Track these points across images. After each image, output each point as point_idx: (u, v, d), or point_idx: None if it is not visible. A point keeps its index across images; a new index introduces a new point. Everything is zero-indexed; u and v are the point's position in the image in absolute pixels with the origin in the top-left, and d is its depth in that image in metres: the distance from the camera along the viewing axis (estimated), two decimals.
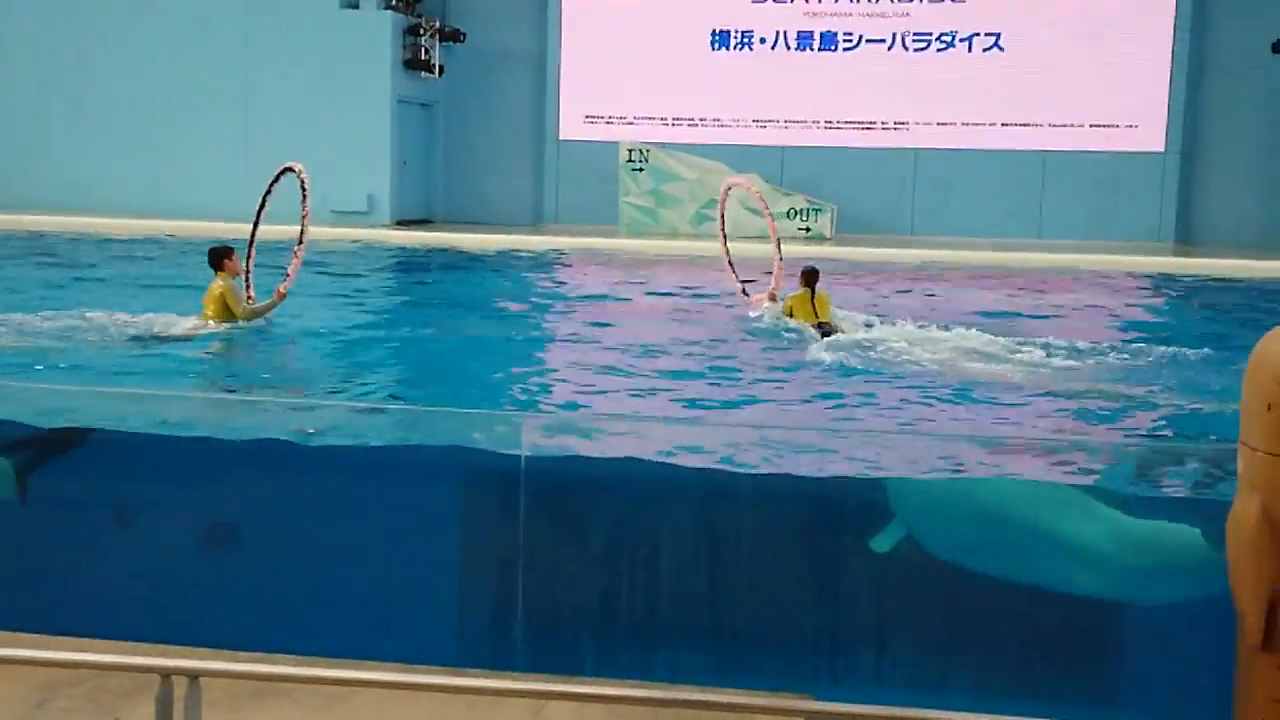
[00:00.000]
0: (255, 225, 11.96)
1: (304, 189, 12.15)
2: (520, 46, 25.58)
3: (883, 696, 5.16)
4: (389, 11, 23.99)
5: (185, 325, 10.79)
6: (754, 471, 6.18)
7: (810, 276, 12.29)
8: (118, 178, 23.91)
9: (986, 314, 13.56)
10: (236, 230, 20.76)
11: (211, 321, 10.82)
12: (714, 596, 5.85)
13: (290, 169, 12.00)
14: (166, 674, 3.72)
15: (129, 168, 24.00)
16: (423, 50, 24.45)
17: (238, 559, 6.15)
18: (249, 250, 11.74)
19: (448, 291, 15.62)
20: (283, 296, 11.34)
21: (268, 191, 12.02)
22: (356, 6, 24.05)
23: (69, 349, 9.83)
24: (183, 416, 6.63)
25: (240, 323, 10.91)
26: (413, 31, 24.40)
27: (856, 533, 5.83)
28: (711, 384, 9.36)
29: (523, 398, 8.79)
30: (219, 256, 11.17)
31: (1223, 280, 18.21)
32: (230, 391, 8.83)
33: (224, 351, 10.40)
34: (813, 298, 12.17)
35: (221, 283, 10.95)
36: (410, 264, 19.35)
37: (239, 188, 23.55)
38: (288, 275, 11.53)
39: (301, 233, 12.00)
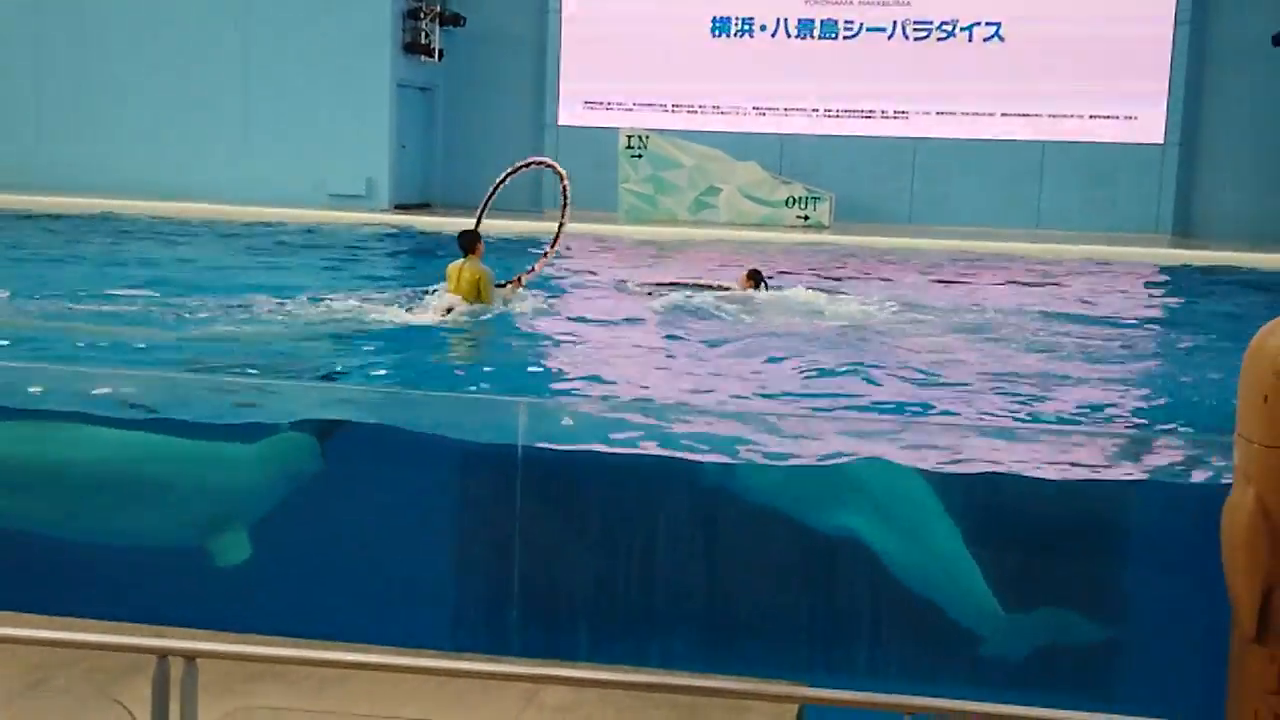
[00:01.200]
0: (481, 213, 12.65)
1: (565, 194, 12.91)
2: (520, 31, 25.54)
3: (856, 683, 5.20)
4: None
5: (439, 306, 11.15)
6: (751, 460, 6.19)
7: (755, 275, 12.69)
8: (116, 160, 23.85)
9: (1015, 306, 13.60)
10: (237, 213, 21.00)
11: (463, 302, 11.13)
12: (708, 584, 5.87)
13: (547, 165, 12.27)
14: (163, 654, 3.72)
15: (129, 150, 23.95)
16: (422, 34, 24.40)
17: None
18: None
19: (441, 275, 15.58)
20: (520, 285, 11.89)
21: (502, 180, 12.83)
22: None
23: (347, 336, 10.23)
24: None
25: (490, 305, 11.27)
26: (413, 15, 24.35)
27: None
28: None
29: (519, 384, 8.78)
30: (471, 240, 11.48)
31: (1220, 272, 18.22)
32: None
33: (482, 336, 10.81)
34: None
35: (474, 266, 11.27)
36: (408, 247, 19.33)
37: (240, 169, 23.66)
38: (532, 269, 12.27)
39: (557, 234, 12.73)
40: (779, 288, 13.29)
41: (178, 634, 4.51)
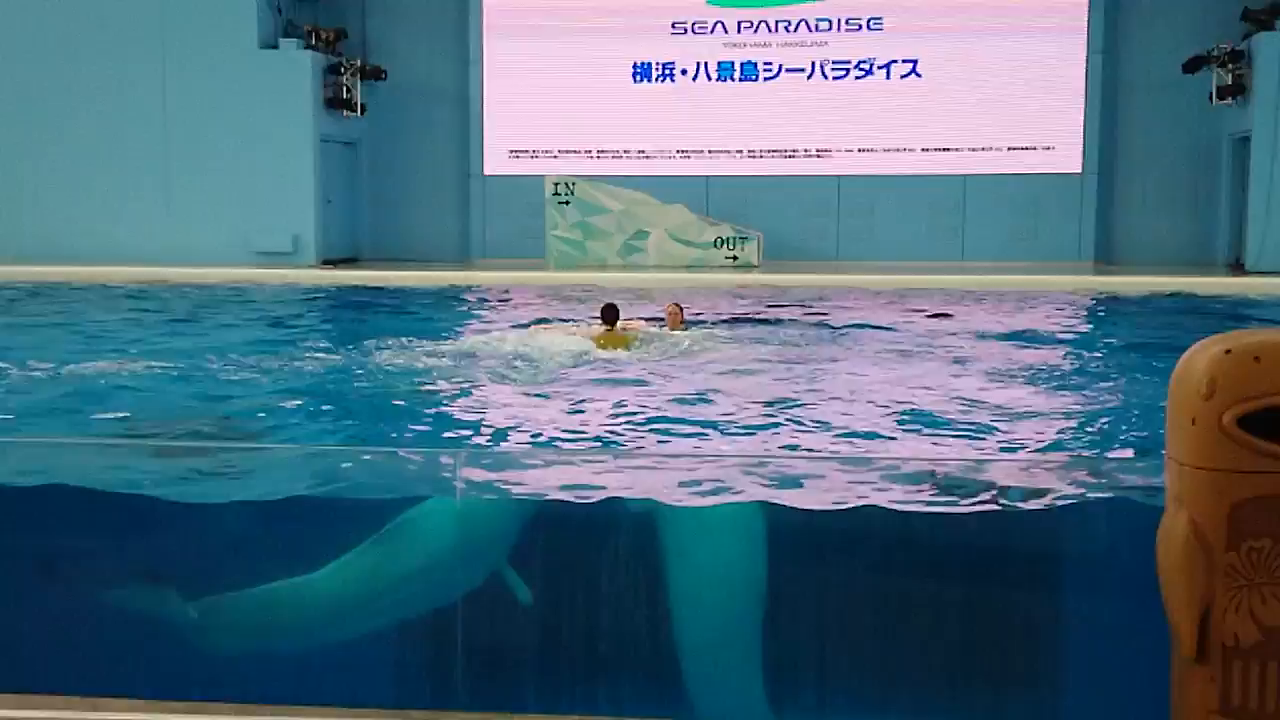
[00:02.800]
0: None
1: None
2: (442, 83, 25.58)
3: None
4: (309, 51, 23.90)
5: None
6: (696, 504, 6.16)
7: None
8: (35, 222, 23.58)
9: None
10: (156, 275, 20.77)
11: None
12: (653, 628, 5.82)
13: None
14: None
15: (47, 212, 23.68)
16: (344, 89, 24.37)
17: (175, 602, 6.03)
18: None
19: (375, 329, 15.50)
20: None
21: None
22: (276, 46, 23.92)
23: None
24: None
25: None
26: (334, 70, 24.31)
27: None
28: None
29: (455, 434, 8.72)
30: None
31: (1143, 297, 18.51)
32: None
33: None
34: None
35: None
36: (337, 303, 19.22)
37: (161, 230, 23.44)
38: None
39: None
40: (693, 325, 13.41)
41: (94, 704, 4.42)
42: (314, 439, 8.50)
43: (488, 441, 8.46)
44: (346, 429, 9.06)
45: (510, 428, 8.86)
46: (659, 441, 8.15)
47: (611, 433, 8.46)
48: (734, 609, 5.49)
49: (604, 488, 5.67)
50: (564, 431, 8.64)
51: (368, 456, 6.56)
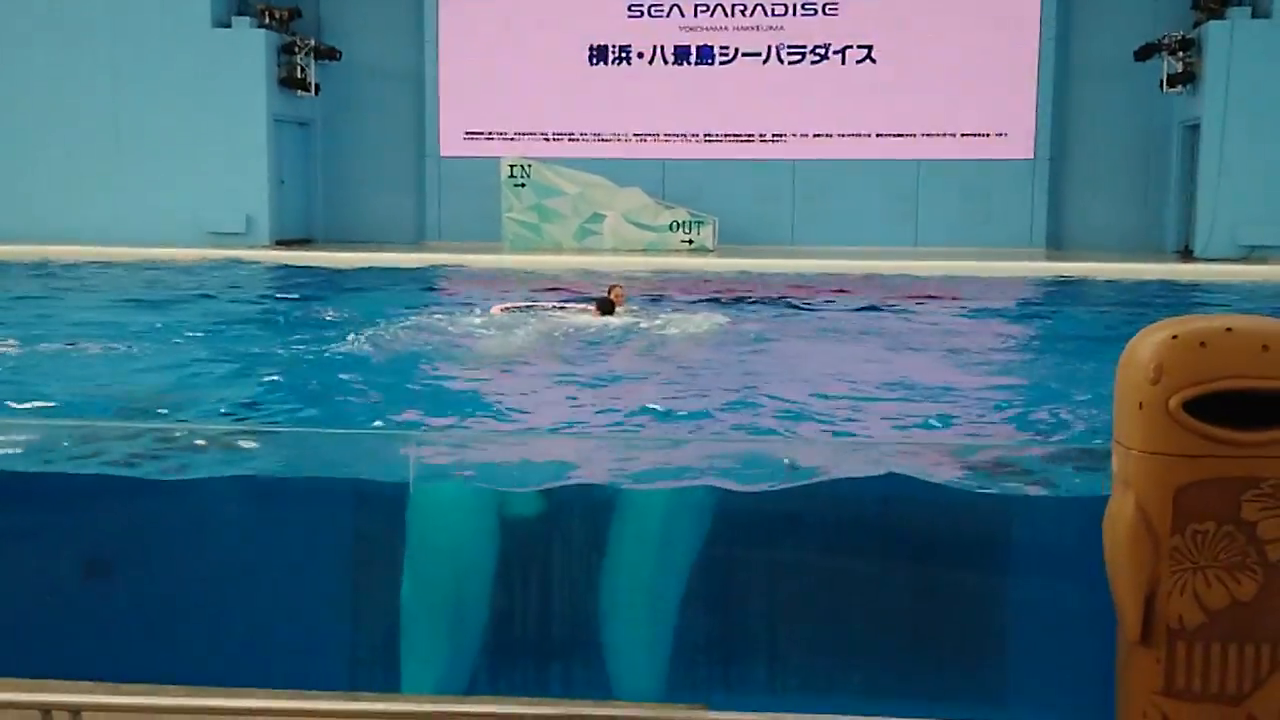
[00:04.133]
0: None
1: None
2: (398, 64, 25.42)
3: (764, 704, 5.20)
4: (262, 30, 23.69)
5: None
6: (647, 486, 6.18)
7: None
8: None
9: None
10: (108, 254, 20.57)
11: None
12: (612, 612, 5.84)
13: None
14: (47, 709, 3.63)
15: None
16: (298, 69, 24.18)
17: (121, 592, 6.00)
18: None
19: (328, 310, 15.43)
20: None
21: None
22: (228, 25, 23.70)
23: None
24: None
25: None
26: (287, 50, 24.11)
27: None
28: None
29: (407, 418, 8.70)
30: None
31: (1093, 282, 18.67)
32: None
33: None
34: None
35: None
36: (290, 284, 19.09)
37: (112, 210, 23.20)
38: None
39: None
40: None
41: (61, 687, 4.39)
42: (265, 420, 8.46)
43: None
44: (293, 411, 9.01)
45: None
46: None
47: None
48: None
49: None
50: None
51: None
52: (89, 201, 23.27)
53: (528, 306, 13.39)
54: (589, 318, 12.78)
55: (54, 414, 7.82)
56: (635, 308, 13.59)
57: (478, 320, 12.94)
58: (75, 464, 6.03)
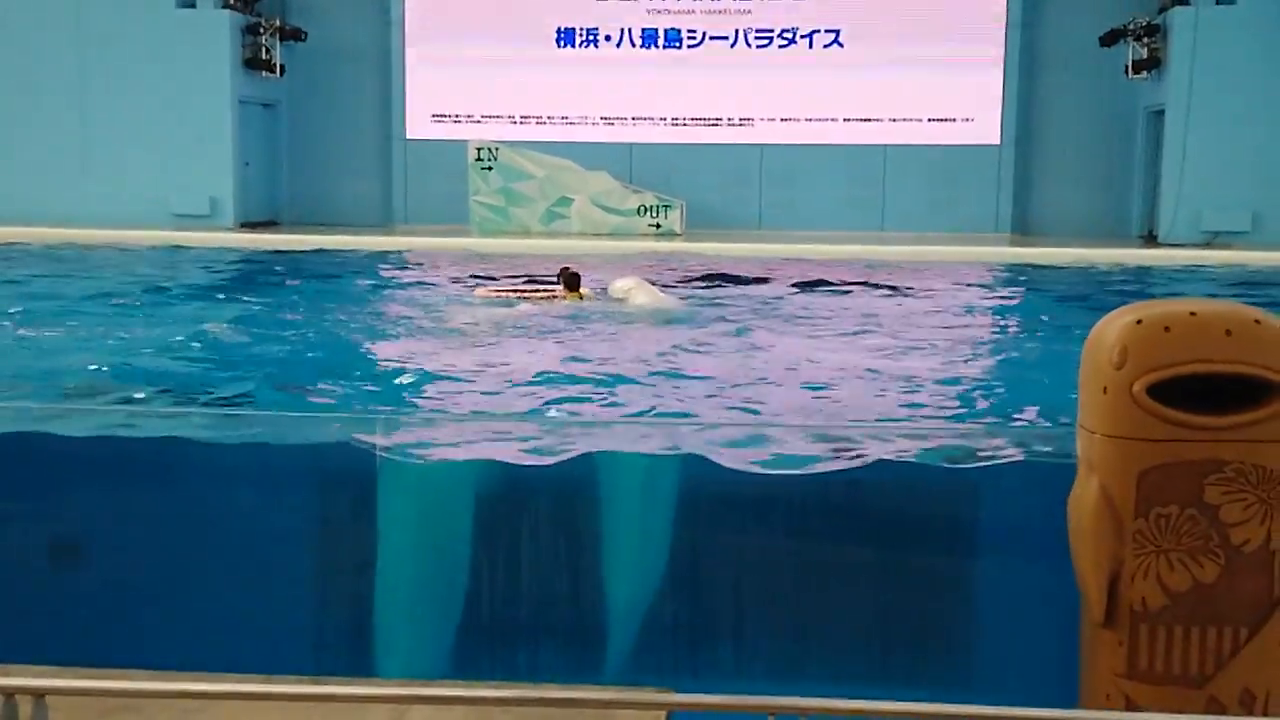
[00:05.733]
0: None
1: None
2: (363, 45, 25.27)
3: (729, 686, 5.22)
4: (226, 10, 23.49)
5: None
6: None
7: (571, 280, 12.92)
8: None
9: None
10: (72, 236, 20.40)
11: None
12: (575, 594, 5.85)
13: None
14: (10, 693, 3.60)
15: None
16: (263, 49, 24.00)
17: (82, 570, 5.97)
18: None
19: (295, 293, 15.35)
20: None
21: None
22: (193, 5, 23.50)
23: None
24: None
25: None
26: (252, 30, 23.93)
27: None
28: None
29: (375, 399, 8.67)
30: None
31: (1057, 267, 18.77)
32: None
33: None
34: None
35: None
36: (255, 267, 18.98)
37: (77, 192, 23.00)
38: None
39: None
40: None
41: (24, 671, 4.36)
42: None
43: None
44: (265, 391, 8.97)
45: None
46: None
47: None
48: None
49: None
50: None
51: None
52: (53, 184, 23.05)
53: (512, 291, 13.40)
54: (563, 301, 12.83)
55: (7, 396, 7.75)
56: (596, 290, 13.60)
57: (461, 303, 13.00)
58: (34, 443, 5.99)
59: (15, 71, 23.39)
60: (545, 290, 13.14)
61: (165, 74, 23.12)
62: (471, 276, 15.53)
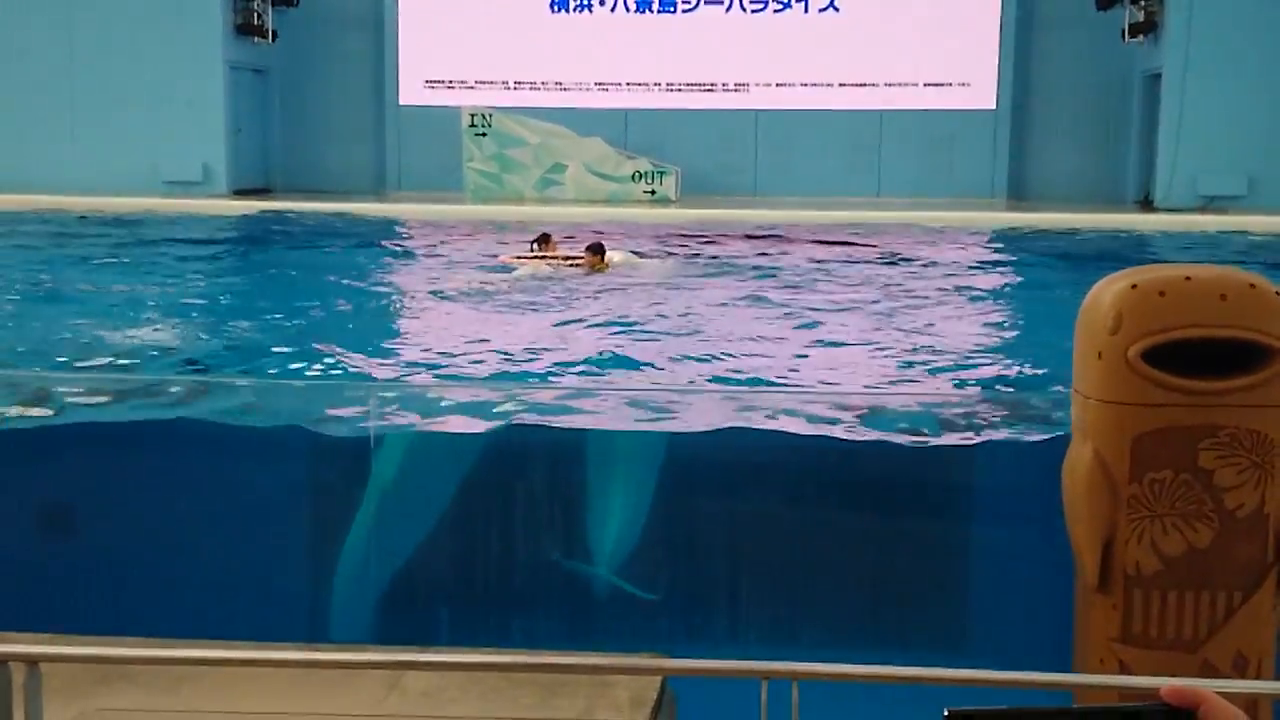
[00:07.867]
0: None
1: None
2: (356, 10, 25.11)
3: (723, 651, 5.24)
4: None
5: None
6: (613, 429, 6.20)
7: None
8: None
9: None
10: (62, 203, 20.30)
11: None
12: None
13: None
14: (3, 660, 3.60)
15: None
16: (254, 15, 23.84)
17: (77, 542, 5.97)
18: None
19: (287, 261, 15.32)
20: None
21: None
22: None
23: None
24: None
25: None
26: None
27: None
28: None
29: (368, 369, 8.66)
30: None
31: (1053, 232, 18.73)
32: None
33: None
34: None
35: None
36: (249, 234, 18.92)
37: (68, 159, 22.87)
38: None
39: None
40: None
41: (19, 639, 4.36)
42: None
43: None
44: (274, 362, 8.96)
45: None
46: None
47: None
48: None
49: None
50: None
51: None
52: (44, 151, 22.92)
53: (536, 256, 13.46)
54: (584, 267, 13.01)
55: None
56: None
57: (486, 268, 13.11)
58: (24, 419, 5.98)
59: (4, 37, 23.21)
60: (572, 259, 13.26)
61: (156, 39, 22.96)
62: (499, 244, 15.61)
